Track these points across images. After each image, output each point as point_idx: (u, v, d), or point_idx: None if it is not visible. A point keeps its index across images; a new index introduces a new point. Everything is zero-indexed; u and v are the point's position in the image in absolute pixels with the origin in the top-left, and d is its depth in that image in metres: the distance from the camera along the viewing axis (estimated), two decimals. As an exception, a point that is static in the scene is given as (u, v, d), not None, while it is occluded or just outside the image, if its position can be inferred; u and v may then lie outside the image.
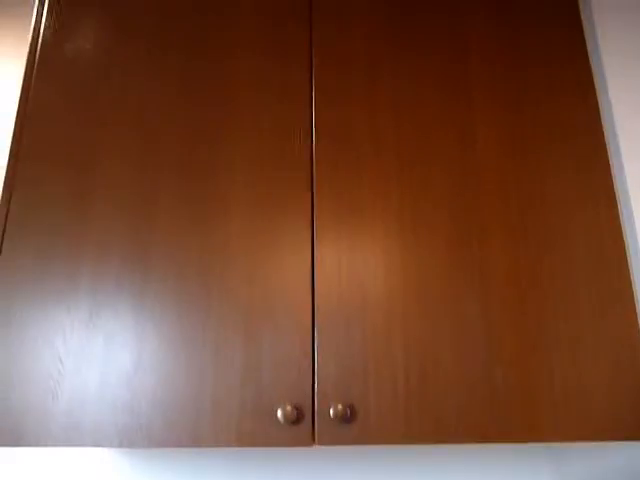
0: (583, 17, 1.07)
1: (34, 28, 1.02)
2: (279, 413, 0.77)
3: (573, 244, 0.89)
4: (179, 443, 0.77)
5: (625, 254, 0.89)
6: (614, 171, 0.95)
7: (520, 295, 0.86)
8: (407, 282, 0.86)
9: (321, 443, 0.78)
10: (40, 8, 1.04)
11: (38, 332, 0.83)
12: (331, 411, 0.78)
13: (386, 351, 0.82)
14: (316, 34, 1.02)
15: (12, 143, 0.94)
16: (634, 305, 0.86)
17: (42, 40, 1.01)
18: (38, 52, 1.00)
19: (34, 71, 0.98)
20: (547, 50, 1.02)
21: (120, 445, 0.77)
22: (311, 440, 0.78)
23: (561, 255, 0.89)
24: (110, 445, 0.77)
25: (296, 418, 0.77)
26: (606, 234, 0.90)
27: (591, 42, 1.05)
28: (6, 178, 0.91)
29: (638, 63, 1.00)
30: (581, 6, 1.08)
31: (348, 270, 0.87)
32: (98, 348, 0.82)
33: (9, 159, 0.92)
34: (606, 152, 0.95)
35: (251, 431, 0.78)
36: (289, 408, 0.77)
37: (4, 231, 0.88)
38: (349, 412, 0.78)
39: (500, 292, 0.86)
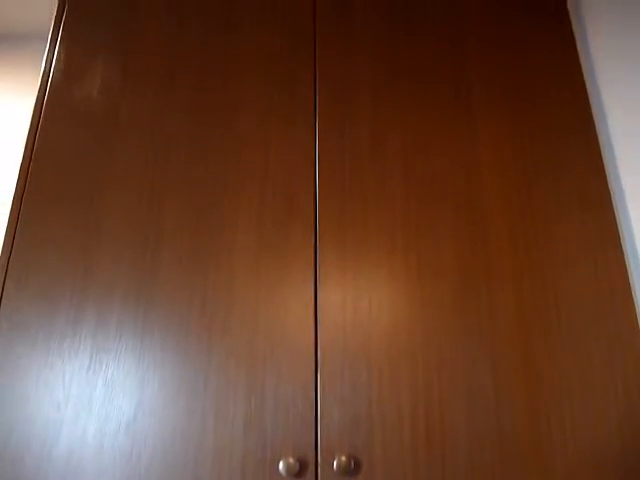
0: (580, 49, 1.08)
1: (45, 66, 1.03)
2: (281, 465, 0.75)
3: (581, 289, 0.87)
4: (178, 496, 0.75)
5: (632, 299, 0.87)
6: (617, 209, 0.95)
7: (528, 342, 0.84)
8: (412, 325, 0.85)
9: (324, 497, 0.75)
10: (52, 46, 1.05)
11: (39, 377, 0.82)
12: (335, 463, 0.76)
13: (391, 398, 0.80)
14: (321, 68, 1.03)
15: (18, 182, 0.94)
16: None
17: (52, 78, 1.02)
18: (48, 90, 1.01)
19: (42, 109, 0.99)
20: (548, 90, 1.02)
21: (117, 498, 0.75)
22: (314, 493, 0.76)
23: (569, 301, 0.87)
24: (107, 498, 0.75)
25: (299, 471, 0.75)
26: (614, 280, 0.88)
27: (590, 81, 1.06)
28: (10, 218, 0.91)
29: (636, 96, 0.98)
30: (578, 43, 1.09)
31: (353, 312, 0.85)
32: (97, 394, 0.81)
33: (14, 199, 0.93)
34: (608, 190, 0.93)
35: (252, 484, 0.76)
36: (291, 460, 0.75)
37: (6, 273, 0.87)
38: (353, 464, 0.76)
39: (508, 338, 0.84)
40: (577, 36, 1.10)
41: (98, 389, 0.81)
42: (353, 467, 0.76)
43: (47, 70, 1.03)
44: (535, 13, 1.08)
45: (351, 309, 0.86)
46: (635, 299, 0.87)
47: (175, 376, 0.81)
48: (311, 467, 0.76)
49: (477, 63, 1.04)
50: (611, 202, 0.92)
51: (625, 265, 0.89)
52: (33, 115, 0.98)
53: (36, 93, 1.01)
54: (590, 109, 1.00)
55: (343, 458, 0.76)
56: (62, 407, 0.80)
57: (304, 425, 0.79)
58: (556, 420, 0.79)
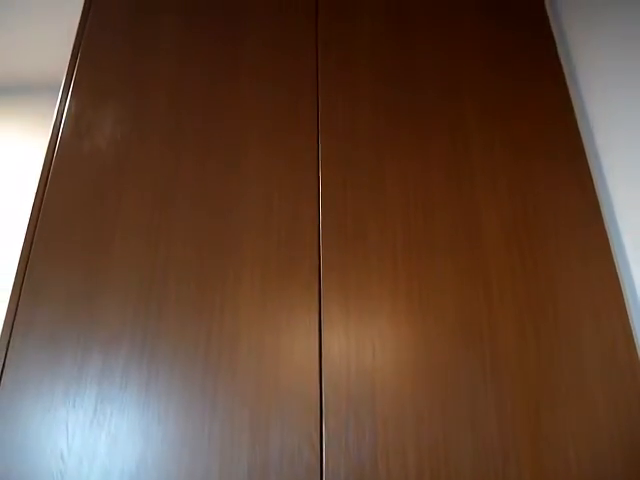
0: (578, 115, 1.11)
1: (56, 117, 1.06)
2: (286, 520, 0.74)
3: (583, 335, 0.87)
4: None
5: (634, 346, 0.87)
6: (619, 266, 0.96)
7: (533, 386, 0.84)
8: (417, 370, 0.84)
9: None
10: (64, 96, 1.09)
11: (41, 427, 0.82)
12: (340, 517, 0.75)
13: (396, 448, 0.80)
14: (323, 111, 1.06)
15: (28, 228, 0.96)
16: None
17: (63, 128, 1.05)
18: (59, 141, 1.04)
19: (53, 160, 1.02)
20: (546, 146, 1.04)
21: None
22: None
23: (571, 345, 0.86)
24: None
25: (303, 525, 0.74)
26: (617, 330, 0.87)
27: (586, 136, 1.08)
28: (19, 266, 0.93)
29: (629, 133, 1.00)
30: (574, 101, 1.12)
31: (357, 359, 0.85)
32: (101, 445, 0.80)
33: (23, 247, 0.94)
34: (608, 242, 0.94)
35: (256, 539, 0.74)
36: (296, 515, 0.74)
37: (14, 320, 0.88)
38: (359, 517, 0.75)
39: (513, 383, 0.84)
40: (567, 76, 1.14)
41: (102, 440, 0.81)
42: (359, 521, 0.75)
43: (58, 122, 1.06)
44: (529, 62, 1.12)
45: (355, 353, 0.86)
46: (638, 351, 0.87)
47: (179, 427, 0.81)
48: (316, 521, 0.75)
49: (475, 96, 1.07)
50: (612, 254, 0.93)
51: (626, 312, 0.89)
52: (44, 166, 1.01)
53: (47, 142, 1.04)
54: (585, 153, 1.02)
55: (349, 511, 0.75)
56: (65, 456, 0.80)
57: (309, 476, 0.78)
58: (562, 467, 0.78)
